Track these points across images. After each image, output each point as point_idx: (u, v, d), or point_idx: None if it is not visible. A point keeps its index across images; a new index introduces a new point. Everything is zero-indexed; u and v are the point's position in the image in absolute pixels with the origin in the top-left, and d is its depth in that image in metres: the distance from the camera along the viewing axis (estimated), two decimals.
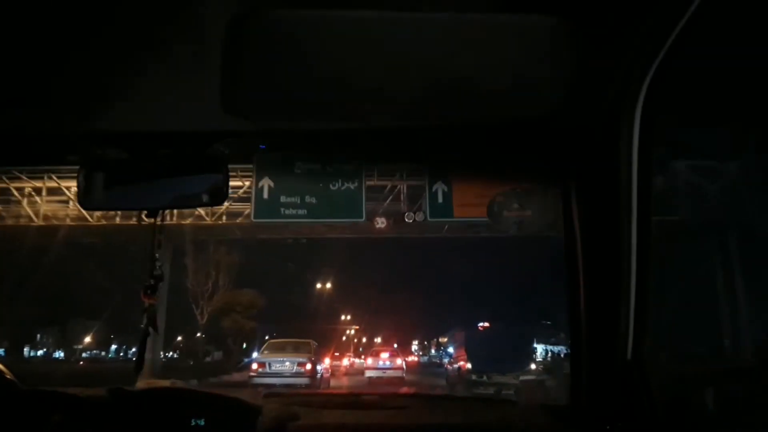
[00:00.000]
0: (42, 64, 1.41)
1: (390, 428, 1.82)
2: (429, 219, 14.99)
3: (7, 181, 15.42)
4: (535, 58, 1.13)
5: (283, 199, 14.56)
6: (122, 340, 38.07)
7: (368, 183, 15.27)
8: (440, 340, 40.25)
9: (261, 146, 3.27)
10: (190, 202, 1.99)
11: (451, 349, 23.84)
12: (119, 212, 12.76)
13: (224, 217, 16.48)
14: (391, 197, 15.99)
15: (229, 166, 1.63)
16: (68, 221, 15.96)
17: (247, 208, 15.03)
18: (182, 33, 1.33)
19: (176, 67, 1.44)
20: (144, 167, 1.63)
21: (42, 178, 15.51)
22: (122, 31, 1.32)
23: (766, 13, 1.37)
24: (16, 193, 15.74)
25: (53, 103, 1.54)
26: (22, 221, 15.78)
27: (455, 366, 20.06)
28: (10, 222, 15.92)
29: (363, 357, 31.88)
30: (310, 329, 26.19)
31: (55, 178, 15.38)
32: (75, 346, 38.27)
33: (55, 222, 15.96)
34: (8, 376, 1.85)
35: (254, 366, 16.45)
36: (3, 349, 32.56)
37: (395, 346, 30.92)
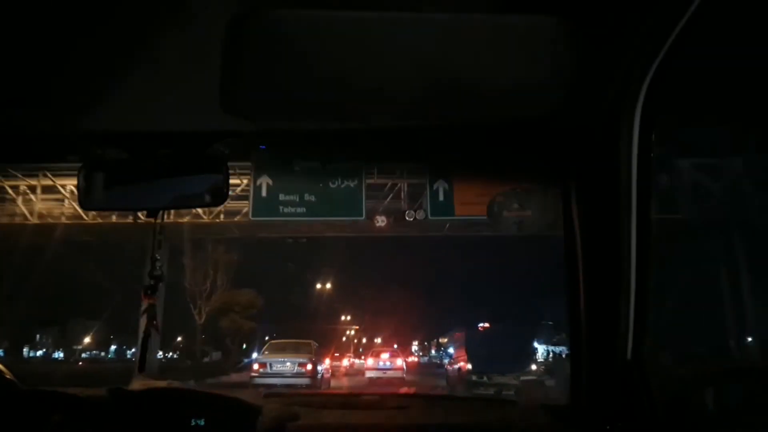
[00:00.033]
0: (42, 64, 1.41)
1: (390, 428, 1.81)
2: (430, 217, 14.89)
3: (1, 179, 15.37)
4: (535, 58, 1.13)
5: (281, 197, 14.46)
6: (122, 340, 38.06)
7: (368, 181, 15.15)
8: (440, 340, 40.26)
9: (261, 146, 3.26)
10: (190, 202, 1.99)
11: (451, 350, 23.81)
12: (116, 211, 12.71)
13: (222, 216, 16.38)
14: (391, 195, 15.85)
15: (224, 157, 1.63)
16: (63, 219, 15.87)
17: (245, 206, 14.90)
18: (182, 33, 1.33)
19: (176, 67, 1.44)
20: (144, 167, 1.63)
21: (37, 176, 15.42)
22: (122, 31, 1.32)
23: (766, 13, 1.37)
24: (10, 191, 15.66)
25: (53, 103, 1.54)
26: (17, 220, 15.71)
27: (455, 366, 20.05)
28: (4, 220, 15.86)
29: (363, 357, 31.90)
30: (310, 329, 26.20)
31: (50, 175, 15.29)
32: (74, 347, 38.26)
33: (50, 220, 15.89)
34: (8, 376, 1.85)
35: (255, 366, 16.47)
36: (2, 350, 32.55)
37: (395, 346, 30.92)
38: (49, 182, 15.48)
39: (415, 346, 46.46)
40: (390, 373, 21.38)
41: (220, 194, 1.63)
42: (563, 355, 20.50)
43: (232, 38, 1.04)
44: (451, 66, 1.12)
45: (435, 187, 14.86)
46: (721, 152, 13.38)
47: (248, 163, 13.80)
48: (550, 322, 22.96)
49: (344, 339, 42.30)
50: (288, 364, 15.82)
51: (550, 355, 22.65)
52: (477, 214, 14.24)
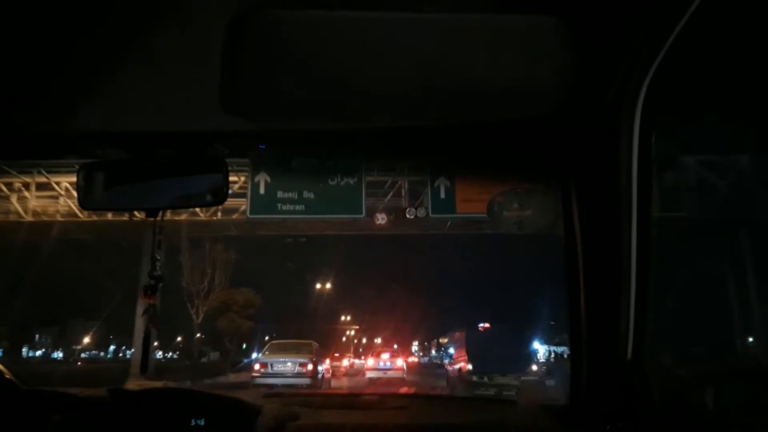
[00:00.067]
0: (42, 64, 1.41)
1: (390, 428, 1.81)
2: (431, 215, 14.71)
3: None
4: (535, 58, 1.13)
5: (279, 194, 14.27)
6: (121, 340, 38.04)
7: (368, 178, 14.93)
8: (440, 340, 40.26)
9: (261, 146, 3.26)
10: (190, 202, 1.99)
11: (451, 350, 23.81)
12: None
13: (219, 213, 16.16)
14: (392, 193, 15.61)
15: (222, 155, 1.63)
16: (59, 217, 15.66)
17: (243, 204, 14.63)
18: (182, 33, 1.33)
19: (176, 67, 1.44)
20: (144, 167, 1.63)
21: (31, 173, 15.21)
22: (122, 30, 1.32)
23: (766, 13, 1.37)
24: (4, 188, 15.48)
25: (53, 103, 1.55)
26: (12, 217, 15.51)
27: (456, 367, 20.05)
28: None
29: (363, 357, 31.90)
30: (309, 329, 26.22)
31: (44, 172, 15.08)
32: (73, 347, 38.26)
33: (45, 218, 15.69)
34: (8, 376, 1.85)
35: (257, 366, 16.55)
36: (1, 350, 32.56)
37: (395, 347, 30.91)
38: (43, 179, 15.26)
39: (415, 347, 46.45)
40: (390, 374, 21.39)
41: (220, 194, 1.63)
42: (565, 356, 20.47)
43: (232, 38, 1.04)
44: (451, 66, 1.12)
45: (436, 184, 14.67)
46: (722, 151, 13.34)
47: (246, 160, 13.60)
48: (552, 322, 22.94)
49: (344, 339, 42.34)
50: (289, 364, 15.86)
51: (552, 355, 22.63)
52: (479, 211, 14.07)
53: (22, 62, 1.39)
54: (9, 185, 15.55)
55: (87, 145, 1.83)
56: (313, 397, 2.58)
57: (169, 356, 33.38)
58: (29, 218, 15.53)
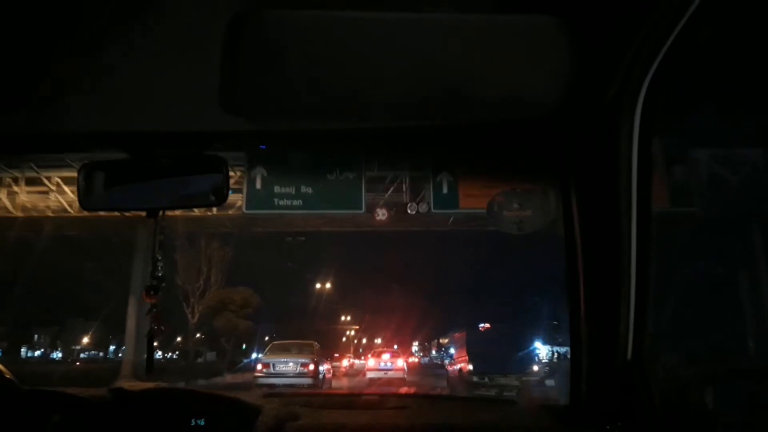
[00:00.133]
0: (42, 64, 1.42)
1: (390, 428, 1.81)
2: (433, 210, 14.43)
3: None
4: (535, 58, 1.13)
5: (277, 189, 13.95)
6: (121, 340, 38.00)
7: (368, 174, 14.60)
8: (441, 341, 40.27)
9: (261, 146, 3.26)
10: (190, 202, 1.99)
11: (452, 350, 23.80)
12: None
13: (214, 209, 15.74)
14: (392, 188, 15.23)
15: (221, 154, 1.63)
16: (49, 213, 15.41)
17: (239, 200, 14.21)
18: (182, 33, 1.33)
19: (176, 67, 1.44)
20: (144, 167, 1.63)
21: (20, 167, 14.89)
22: (122, 31, 1.32)
23: (766, 13, 1.37)
24: None
25: (53, 103, 1.55)
26: (0, 212, 15.30)
27: (456, 367, 20.04)
28: None
29: (363, 358, 31.90)
30: (309, 329, 26.22)
31: (33, 166, 14.82)
32: (73, 347, 38.23)
33: (34, 214, 15.44)
34: (8, 376, 1.85)
35: (259, 366, 16.68)
36: (0, 350, 32.57)
37: (395, 347, 30.92)
38: (33, 174, 15.01)
39: (415, 347, 46.44)
40: (391, 374, 21.41)
41: (220, 194, 1.63)
42: (567, 356, 20.38)
43: (232, 38, 1.04)
44: (451, 66, 1.12)
45: (439, 178, 14.33)
46: (722, 148, 13.28)
47: (241, 154, 13.20)
48: (555, 322, 22.89)
49: (344, 339, 42.34)
50: (291, 364, 15.95)
51: (556, 355, 22.58)
52: (483, 207, 13.71)
53: (22, 62, 1.39)
54: None
55: (87, 145, 1.83)
56: (313, 397, 2.58)
57: (168, 356, 33.34)
58: (18, 213, 15.26)
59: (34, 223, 15.67)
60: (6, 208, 15.26)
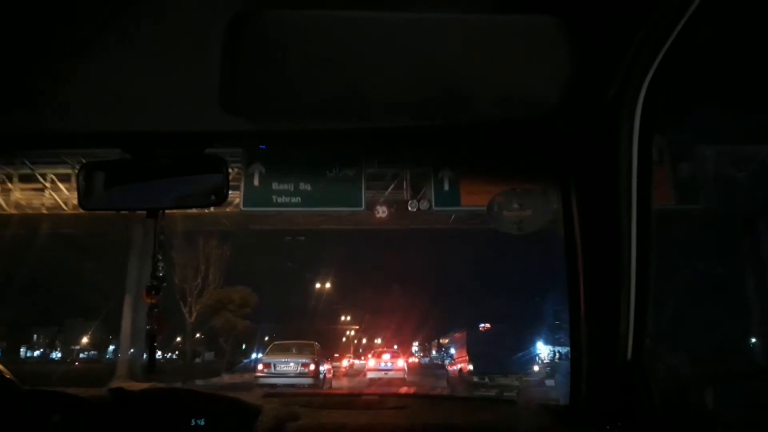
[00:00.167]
0: (42, 64, 1.42)
1: (390, 428, 1.81)
2: (434, 207, 14.25)
3: None
4: (535, 58, 1.14)
5: (275, 186, 13.74)
6: (120, 340, 37.92)
7: (368, 171, 14.36)
8: (441, 341, 40.22)
9: (261, 146, 3.26)
10: (190, 202, 1.99)
11: (452, 350, 23.79)
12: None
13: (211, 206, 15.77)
14: (393, 186, 15.01)
15: (220, 151, 1.62)
16: (43, 210, 15.23)
17: (237, 197, 13.88)
18: (182, 33, 1.33)
19: (176, 67, 1.44)
20: (144, 167, 1.63)
21: (13, 164, 14.70)
22: (122, 30, 1.32)
23: (766, 13, 1.37)
24: None
25: (53, 103, 1.54)
26: None
27: (456, 367, 20.03)
28: None
29: (363, 358, 31.88)
30: (309, 329, 26.17)
31: (28, 163, 14.66)
32: (72, 347, 38.18)
33: (29, 211, 15.27)
34: (8, 376, 1.85)
35: (260, 366, 16.73)
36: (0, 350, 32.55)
37: (395, 347, 30.90)
38: (27, 171, 14.83)
39: (415, 347, 46.38)
40: (391, 374, 21.41)
41: (220, 194, 1.63)
42: (568, 356, 20.32)
43: (232, 38, 1.05)
44: (452, 66, 1.12)
45: (440, 175, 14.12)
46: (728, 146, 13.23)
47: (239, 150, 12.76)
48: (557, 322, 22.85)
49: (344, 339, 42.32)
50: (292, 364, 16.01)
51: (557, 356, 22.55)
52: (484, 204, 13.65)
53: (22, 62, 1.39)
54: None
55: (87, 145, 1.83)
56: (312, 397, 2.58)
57: (167, 356, 33.30)
58: (11, 210, 15.09)
59: (29, 220, 15.54)
60: (0, 205, 15.13)
